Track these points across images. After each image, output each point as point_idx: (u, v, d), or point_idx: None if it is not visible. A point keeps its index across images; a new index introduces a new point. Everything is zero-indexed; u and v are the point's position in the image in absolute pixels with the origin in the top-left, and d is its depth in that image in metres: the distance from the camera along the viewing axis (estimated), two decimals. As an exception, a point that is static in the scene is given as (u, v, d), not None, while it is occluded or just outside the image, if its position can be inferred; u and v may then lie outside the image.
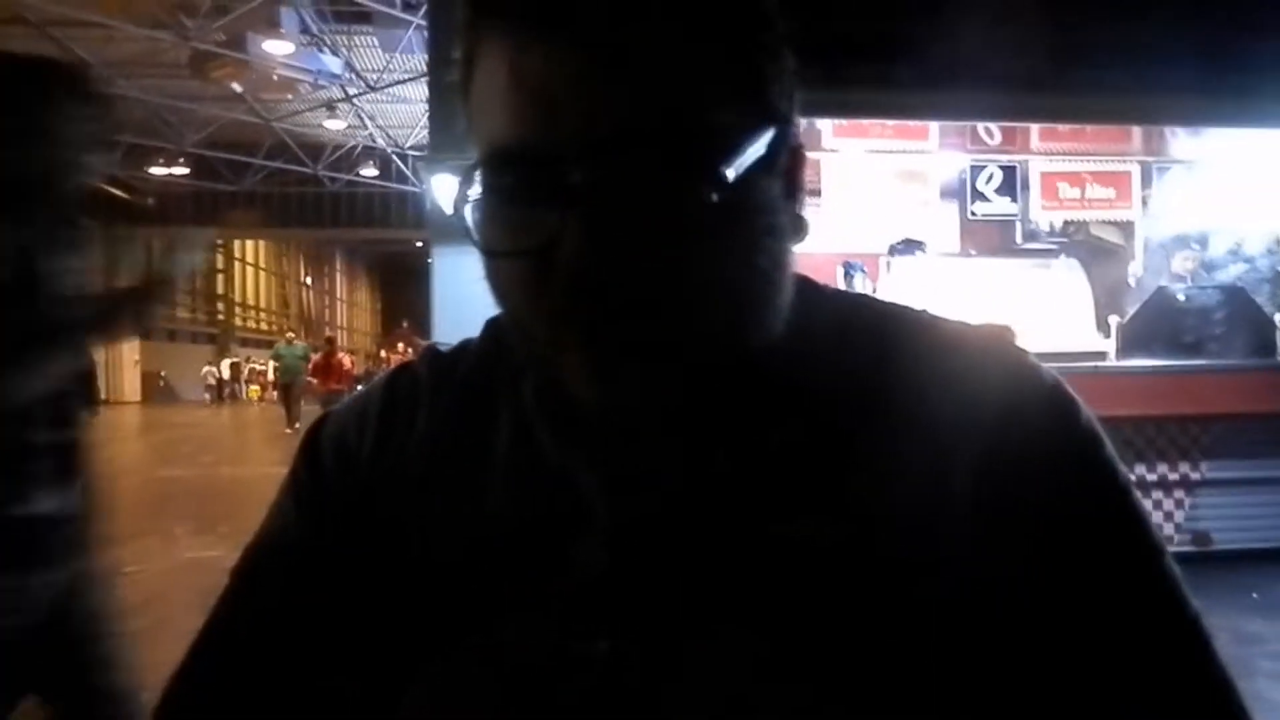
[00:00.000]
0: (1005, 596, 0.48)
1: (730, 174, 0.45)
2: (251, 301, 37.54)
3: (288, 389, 16.01)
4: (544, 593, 0.50)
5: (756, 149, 0.47)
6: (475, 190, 0.48)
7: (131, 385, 18.70)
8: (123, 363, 18.45)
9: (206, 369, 30.33)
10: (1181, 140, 5.76)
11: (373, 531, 0.56)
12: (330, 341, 16.52)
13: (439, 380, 0.59)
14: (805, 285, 0.56)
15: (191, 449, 13.41)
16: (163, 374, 28.91)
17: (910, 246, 5.39)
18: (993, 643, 0.47)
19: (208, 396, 29.46)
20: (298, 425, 14.07)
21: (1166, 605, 0.49)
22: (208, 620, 0.59)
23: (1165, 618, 0.48)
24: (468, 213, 0.48)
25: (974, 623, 0.47)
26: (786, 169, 0.51)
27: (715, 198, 0.44)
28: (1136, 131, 5.79)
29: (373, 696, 0.50)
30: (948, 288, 4.93)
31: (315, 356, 15.66)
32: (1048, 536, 0.48)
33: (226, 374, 30.73)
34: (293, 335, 17.82)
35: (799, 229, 0.52)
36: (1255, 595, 3.90)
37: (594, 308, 0.45)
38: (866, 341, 0.54)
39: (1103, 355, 4.85)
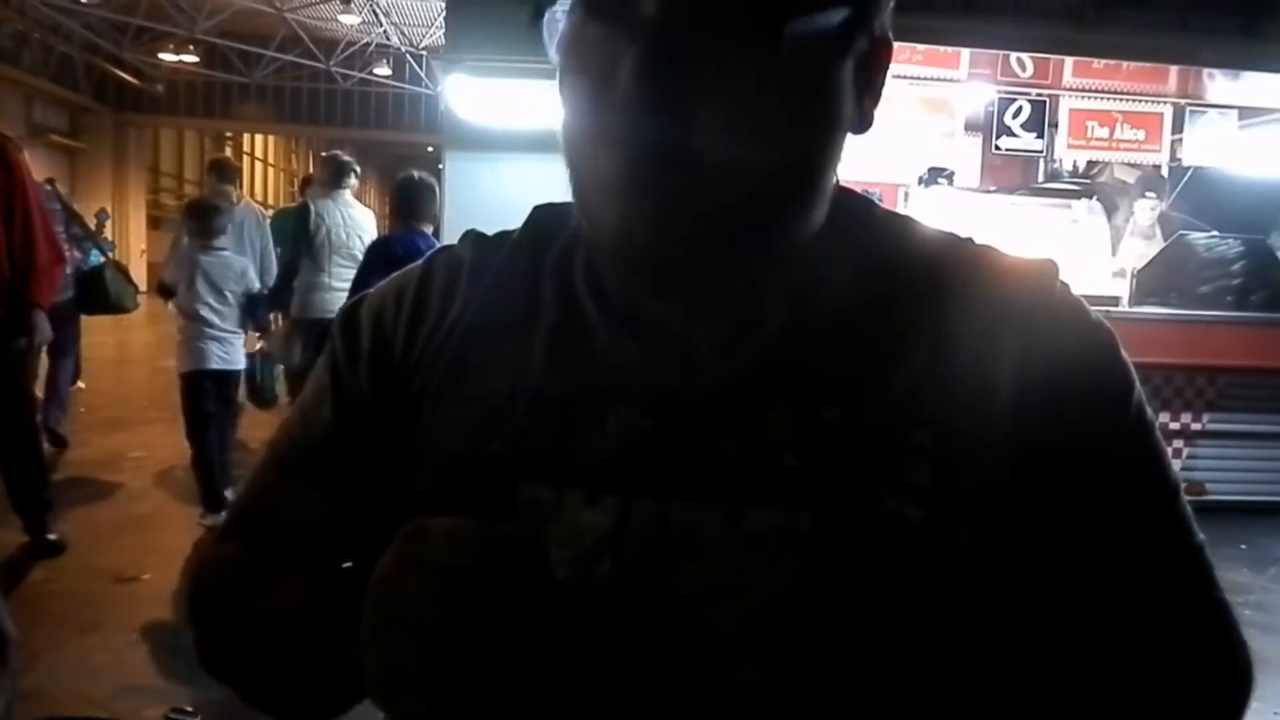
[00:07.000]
0: (1029, 506, 0.50)
1: (796, 34, 0.45)
2: (259, 197, 37.25)
3: None
4: (582, 456, 0.51)
5: (827, 20, 0.47)
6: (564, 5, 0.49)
7: (138, 275, 18.68)
8: (131, 253, 18.34)
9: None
10: (1219, 83, 5.57)
11: (406, 411, 0.56)
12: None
13: (482, 262, 0.59)
14: (856, 197, 0.56)
15: (197, 342, 13.27)
16: (169, 265, 28.81)
17: (935, 175, 5.28)
18: (1009, 547, 0.50)
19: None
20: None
21: (1175, 533, 0.52)
22: (242, 491, 0.62)
23: (1173, 544, 0.52)
24: (547, 25, 0.49)
25: (997, 523, 0.50)
26: (864, 57, 0.51)
27: (776, 55, 0.45)
28: (1173, 72, 5.60)
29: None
30: (966, 223, 4.83)
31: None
32: (1074, 461, 0.51)
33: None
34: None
35: (863, 121, 0.52)
36: (1243, 546, 3.96)
37: (637, 130, 0.45)
38: (915, 258, 0.54)
39: (1116, 300, 4.81)
